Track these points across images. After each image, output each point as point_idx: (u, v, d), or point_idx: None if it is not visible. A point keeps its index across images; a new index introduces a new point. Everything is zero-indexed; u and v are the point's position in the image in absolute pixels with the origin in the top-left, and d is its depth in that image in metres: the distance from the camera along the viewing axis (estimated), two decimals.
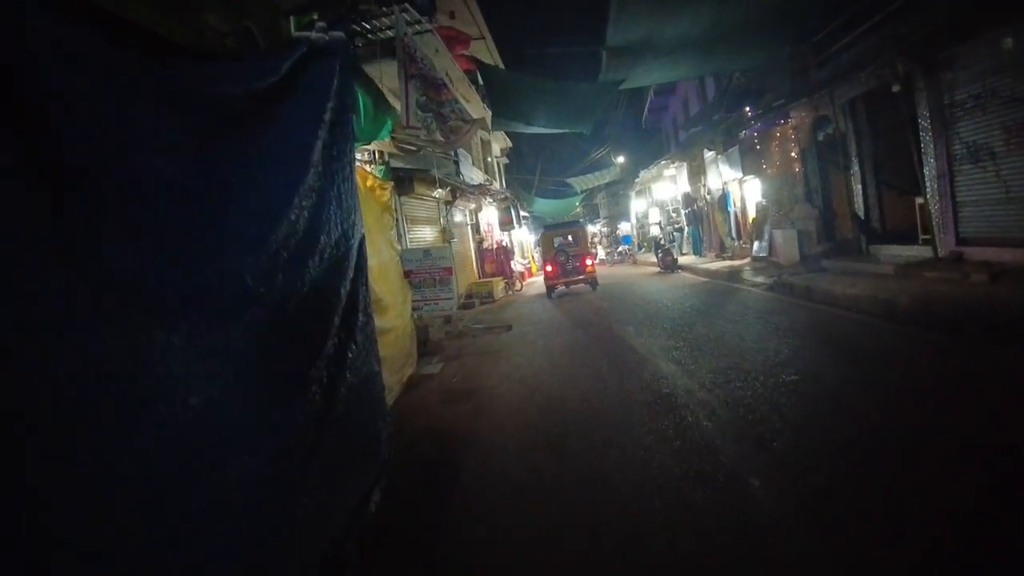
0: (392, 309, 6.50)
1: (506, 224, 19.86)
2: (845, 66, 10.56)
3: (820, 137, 13.06)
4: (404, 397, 5.96)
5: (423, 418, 5.17)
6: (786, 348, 5.67)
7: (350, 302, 3.49)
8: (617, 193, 42.40)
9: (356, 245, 3.67)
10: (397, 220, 11.01)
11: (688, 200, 19.61)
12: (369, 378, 3.67)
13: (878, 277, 8.68)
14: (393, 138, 7.64)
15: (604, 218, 46.14)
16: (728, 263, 14.99)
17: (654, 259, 22.24)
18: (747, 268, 13.21)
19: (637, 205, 27.99)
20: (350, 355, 3.36)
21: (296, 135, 3.06)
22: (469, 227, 17.43)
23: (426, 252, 10.46)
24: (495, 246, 19.56)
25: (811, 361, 5.14)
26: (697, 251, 19.41)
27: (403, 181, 11.09)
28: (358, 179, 7.03)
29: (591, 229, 49.23)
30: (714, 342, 6.40)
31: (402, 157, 10.58)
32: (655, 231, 27.47)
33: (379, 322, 5.94)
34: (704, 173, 16.20)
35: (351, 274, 3.53)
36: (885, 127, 11.08)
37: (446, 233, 13.77)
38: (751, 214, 14.56)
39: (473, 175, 16.08)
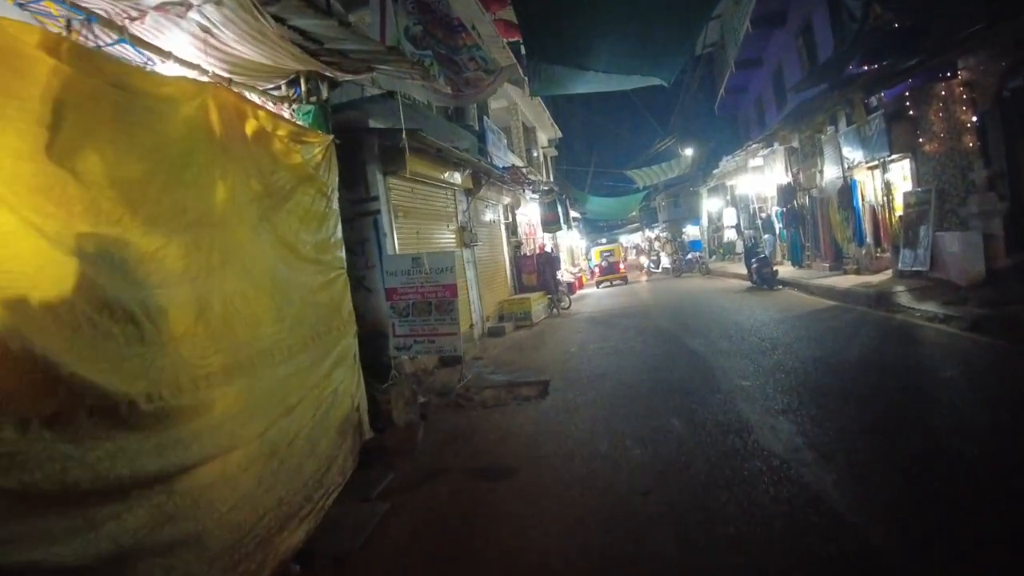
0: (223, 412, 2.76)
1: (550, 223, 15.85)
2: None
3: (1008, 92, 8.77)
4: None
5: None
6: None
7: None
8: (678, 194, 37.94)
9: None
10: (377, 211, 7.38)
11: (785, 194, 15.29)
12: None
13: None
14: (312, 55, 3.99)
15: (664, 222, 41.74)
16: (857, 279, 10.72)
17: (736, 269, 17.99)
18: (898, 288, 8.96)
19: (710, 204, 23.64)
20: None
21: None
22: (503, 227, 13.66)
23: (416, 260, 6.81)
24: (537, 251, 15.74)
25: None
26: (796, 260, 15.08)
27: (390, 153, 7.45)
28: (207, 99, 3.21)
29: (649, 234, 45.84)
30: None
31: (381, 111, 6.93)
32: (731, 235, 23.09)
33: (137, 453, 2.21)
34: (819, 156, 11.94)
35: None
36: None
37: (464, 234, 10.04)
38: (896, 210, 10.25)
39: (508, 159, 12.31)
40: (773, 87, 17.99)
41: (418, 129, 6.71)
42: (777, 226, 17.83)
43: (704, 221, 24.72)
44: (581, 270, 26.40)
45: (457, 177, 9.49)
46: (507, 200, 13.77)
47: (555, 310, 13.90)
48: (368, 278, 7.33)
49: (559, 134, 24.25)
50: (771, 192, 17.80)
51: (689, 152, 24.96)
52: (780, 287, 12.69)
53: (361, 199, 7.41)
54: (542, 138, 22.83)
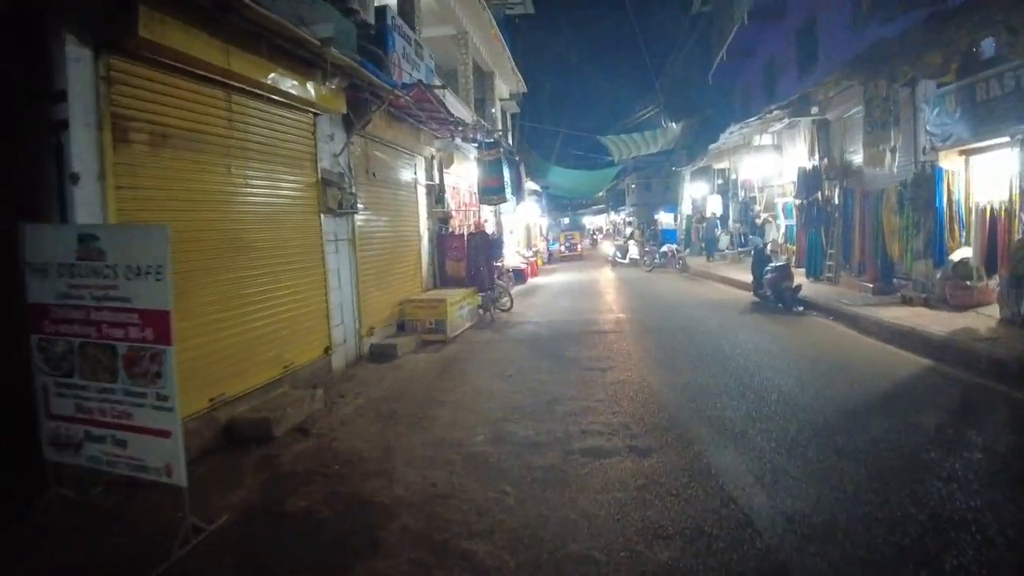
0: None
1: (491, 191, 11.31)
2: None
3: None
4: None
5: None
6: None
7: None
8: (651, 176, 34.19)
9: None
10: (62, 124, 3.15)
11: (808, 183, 11.55)
12: None
13: None
14: None
15: (632, 206, 37.88)
16: (937, 316, 7.04)
17: (722, 272, 14.26)
18: None
19: (693, 189, 19.85)
20: None
21: None
22: (422, 190, 9.42)
23: (87, 242, 2.41)
24: (474, 228, 11.55)
25: None
26: (814, 272, 11.39)
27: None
28: None
29: (614, 218, 42.81)
30: None
31: None
32: (713, 227, 19.39)
33: None
34: (894, 126, 8.10)
35: None
36: None
37: (331, 192, 5.84)
38: (1014, 215, 6.50)
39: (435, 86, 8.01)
40: (796, 46, 14.08)
41: None
42: (784, 223, 14.17)
43: (687, 208, 20.94)
44: (538, 252, 22.41)
45: (310, 88, 5.23)
46: (431, 151, 9.53)
47: (490, 313, 9.89)
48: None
49: (523, 87, 19.92)
50: (781, 180, 14.12)
51: (675, 125, 21.11)
52: (801, 309, 8.98)
53: (31, 97, 3.15)
54: (502, 88, 18.48)
